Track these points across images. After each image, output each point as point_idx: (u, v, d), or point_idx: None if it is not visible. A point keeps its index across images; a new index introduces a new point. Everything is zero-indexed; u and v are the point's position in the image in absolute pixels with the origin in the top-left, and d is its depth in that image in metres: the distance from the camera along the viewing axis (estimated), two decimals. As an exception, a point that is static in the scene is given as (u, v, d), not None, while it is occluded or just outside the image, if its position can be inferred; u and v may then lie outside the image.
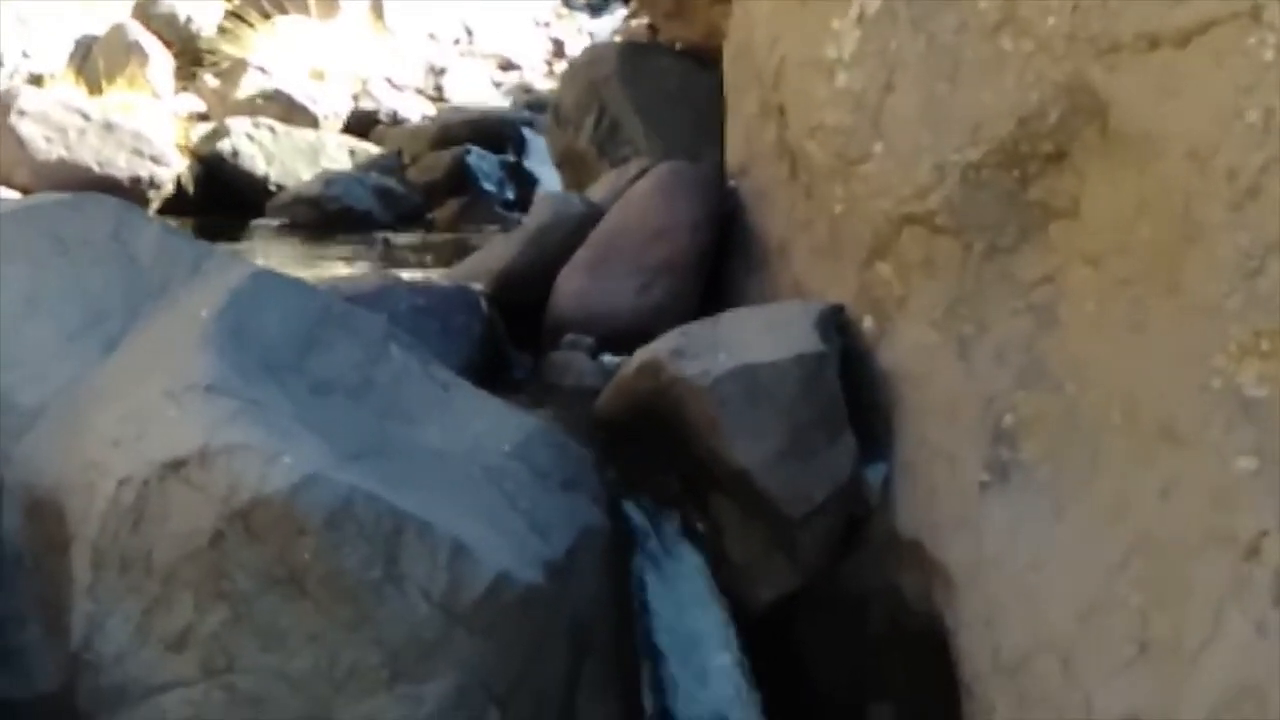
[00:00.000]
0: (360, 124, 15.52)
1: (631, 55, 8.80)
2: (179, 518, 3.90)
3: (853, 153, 4.92)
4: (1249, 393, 3.58)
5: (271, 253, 10.72)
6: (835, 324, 5.00)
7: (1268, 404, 3.53)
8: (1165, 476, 3.73)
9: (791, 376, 4.76)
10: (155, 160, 13.03)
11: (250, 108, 14.84)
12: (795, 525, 4.74)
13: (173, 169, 13.19)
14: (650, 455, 5.02)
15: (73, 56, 15.93)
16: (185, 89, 16.09)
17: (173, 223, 8.55)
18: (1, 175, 12.32)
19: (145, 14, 16.89)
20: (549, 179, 11.36)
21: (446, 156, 13.58)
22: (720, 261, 6.05)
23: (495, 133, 14.19)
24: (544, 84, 17.91)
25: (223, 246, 4.88)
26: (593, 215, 6.32)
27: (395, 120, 15.84)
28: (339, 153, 13.96)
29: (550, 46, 21.22)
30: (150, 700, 3.90)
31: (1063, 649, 3.86)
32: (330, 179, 12.91)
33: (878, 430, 4.80)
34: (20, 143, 12.55)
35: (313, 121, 14.99)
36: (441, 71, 18.54)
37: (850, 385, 4.84)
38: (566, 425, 5.05)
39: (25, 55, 15.74)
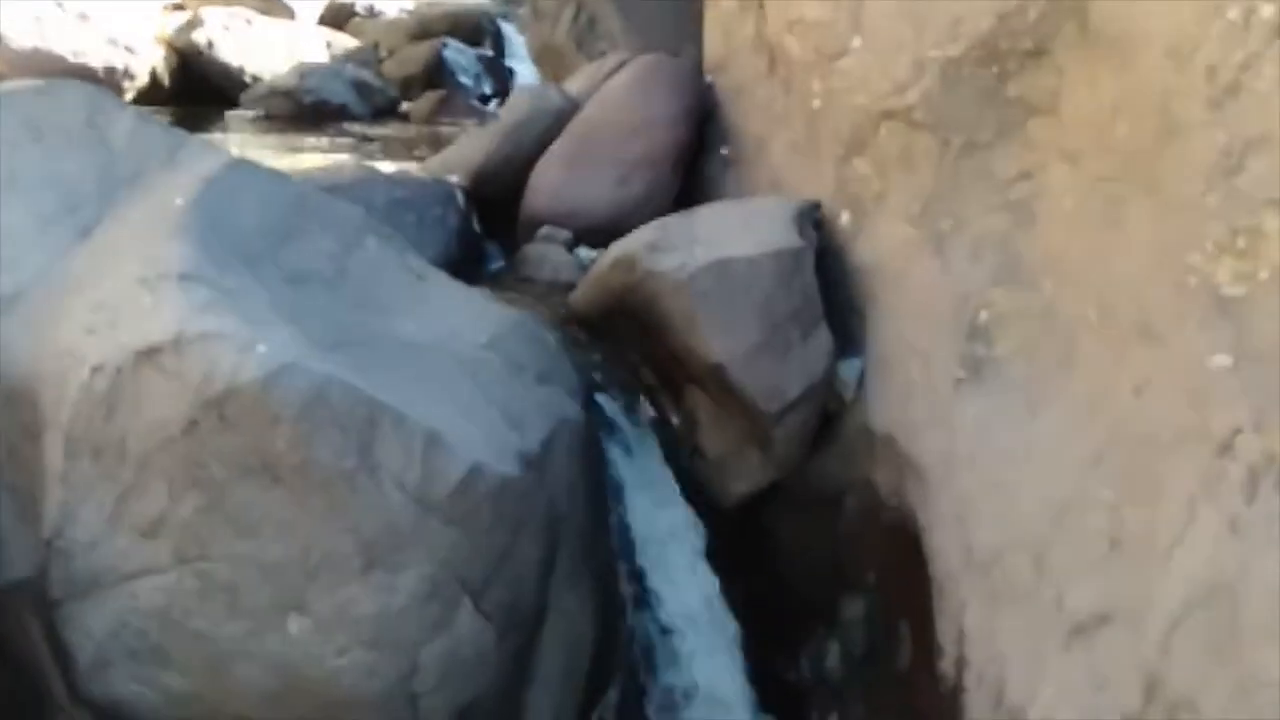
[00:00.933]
0: (337, 17, 15.43)
1: (610, -52, 8.73)
2: (153, 406, 3.88)
3: (831, 47, 4.90)
4: (1225, 291, 3.57)
5: (247, 144, 10.66)
6: (812, 220, 4.99)
7: (1243, 302, 3.52)
8: (1140, 374, 3.74)
9: (767, 271, 4.76)
10: (130, 50, 12.92)
11: (226, -1, 14.75)
12: (769, 420, 4.75)
13: (147, 59, 13.08)
14: (625, 349, 5.02)
15: (46, -55, 15.77)
16: (160, -21, 15.95)
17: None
18: (-26, 64, 12.23)
19: (120, -97, 16.71)
20: (526, 73, 11.31)
21: (423, 50, 13.49)
22: (698, 156, 6.03)
23: (472, 26, 14.11)
24: (522, -22, 17.78)
25: (198, 136, 4.82)
26: (570, 109, 6.29)
27: (372, 13, 15.74)
28: (315, 45, 13.87)
29: (528, -60, 21.03)
30: (123, 587, 3.90)
31: (1035, 546, 3.88)
32: (306, 71, 12.83)
33: (853, 326, 4.80)
34: (-6, 31, 12.45)
35: (289, 13, 14.87)
36: (419, -36, 18.42)
37: (826, 281, 4.84)
38: (542, 319, 5.04)
39: (-2, -57, 15.57)
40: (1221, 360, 3.53)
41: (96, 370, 3.93)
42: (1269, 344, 3.44)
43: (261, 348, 3.88)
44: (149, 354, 3.89)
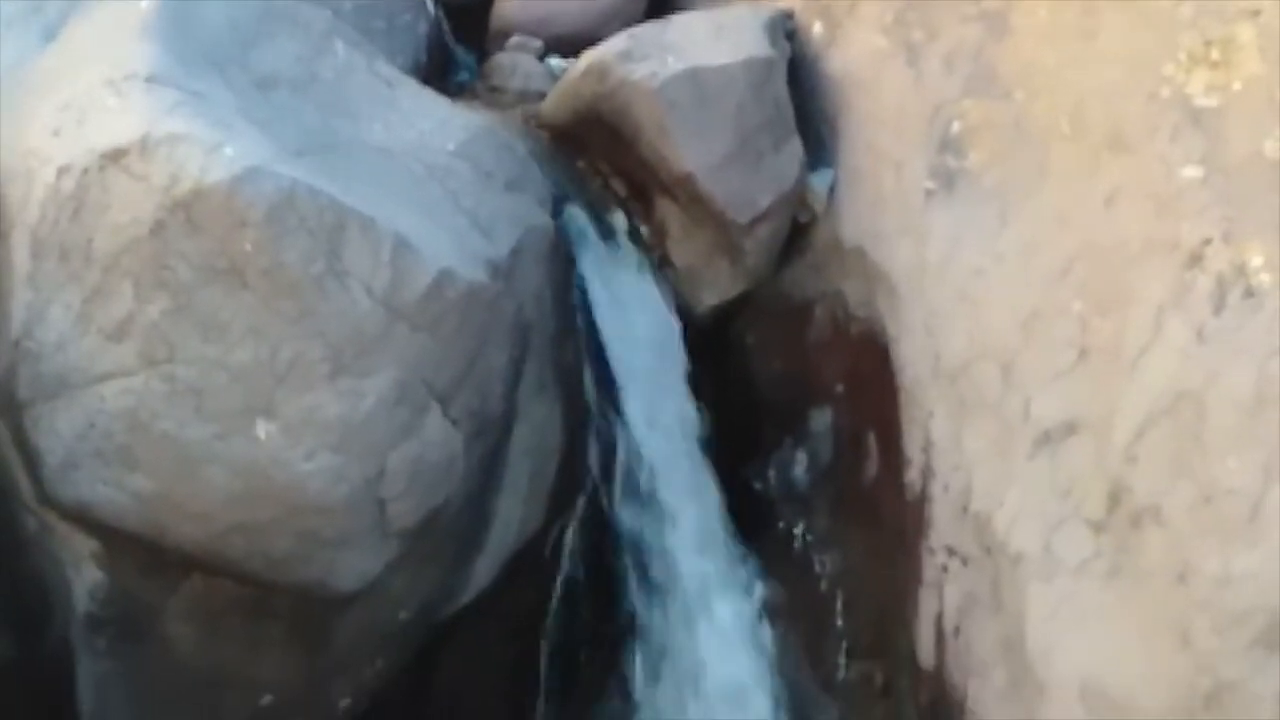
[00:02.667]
0: None
1: None
2: (119, 207, 3.85)
3: None
4: (1197, 102, 3.56)
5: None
6: (784, 29, 4.94)
7: (1216, 113, 3.51)
8: (1111, 184, 3.73)
9: (739, 81, 4.72)
10: None
11: None
12: (739, 230, 4.74)
13: None
14: (595, 159, 4.98)
15: None
16: None
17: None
18: None
19: None
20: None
21: None
22: (670, -35, 5.96)
23: None
24: None
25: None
26: (541, -85, 6.18)
27: None
28: None
29: None
30: (90, 389, 3.89)
31: (1003, 355, 3.89)
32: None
33: (825, 137, 4.77)
34: None
35: None
36: None
37: (798, 91, 4.80)
38: (512, 127, 5.00)
39: None
40: (1192, 171, 3.52)
41: (63, 171, 3.90)
42: (1240, 155, 3.43)
43: (229, 150, 3.85)
44: (115, 155, 3.86)
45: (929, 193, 4.28)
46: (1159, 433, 3.38)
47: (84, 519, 3.99)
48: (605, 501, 4.73)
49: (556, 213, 4.72)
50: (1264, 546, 3.08)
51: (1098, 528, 3.48)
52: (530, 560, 4.68)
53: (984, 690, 3.75)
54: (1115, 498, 3.45)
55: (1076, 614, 3.48)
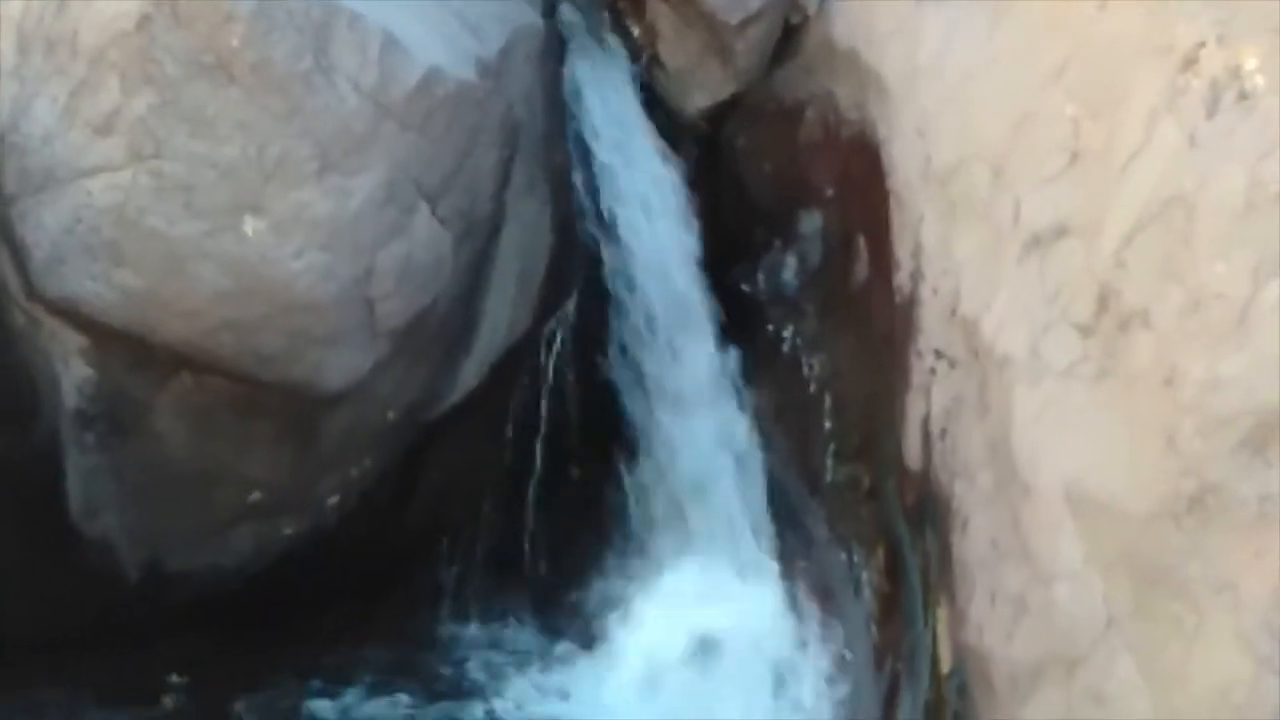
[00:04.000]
0: None
1: None
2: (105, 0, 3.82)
3: None
4: (1195, -98, 3.51)
5: None
6: None
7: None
8: (1106, -14, 3.68)
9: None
10: None
11: None
12: (731, 31, 4.70)
13: None
14: (587, -43, 4.93)
15: None
16: None
17: None
18: None
19: None
20: None
21: None
22: None
23: None
24: None
25: None
26: None
27: None
28: None
29: None
30: (78, 184, 3.88)
31: (994, 158, 3.86)
32: None
33: (818, -63, 4.71)
34: None
35: None
36: None
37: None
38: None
39: None
40: (1173, -28, 3.48)
41: (48, -36, 3.86)
42: (1237, -43, 3.39)
43: (215, -57, 3.80)
44: (100, -53, 3.81)
45: (922, -6, 4.23)
46: (1148, 237, 3.36)
47: (71, 314, 4.00)
48: (596, 300, 4.72)
49: (549, 13, 4.67)
50: (1251, 350, 3.07)
51: (1085, 331, 3.47)
52: (519, 362, 4.69)
53: (970, 492, 3.76)
54: (1103, 301, 3.43)
55: (1063, 417, 3.48)
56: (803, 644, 4.53)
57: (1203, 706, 3.02)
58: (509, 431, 4.77)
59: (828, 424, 4.57)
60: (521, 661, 4.82)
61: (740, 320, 4.83)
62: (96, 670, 4.48)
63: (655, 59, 4.86)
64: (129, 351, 4.05)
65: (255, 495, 4.32)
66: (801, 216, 4.70)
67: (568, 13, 4.79)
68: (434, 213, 4.09)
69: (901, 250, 4.18)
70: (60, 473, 4.24)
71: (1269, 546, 2.96)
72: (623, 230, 4.73)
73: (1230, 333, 3.14)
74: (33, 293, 4.00)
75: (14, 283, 4.03)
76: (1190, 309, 3.23)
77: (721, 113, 4.86)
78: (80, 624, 4.41)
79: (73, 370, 4.10)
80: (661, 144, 4.81)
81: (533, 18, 4.55)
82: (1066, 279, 3.55)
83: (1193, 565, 3.09)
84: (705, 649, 4.60)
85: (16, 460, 4.22)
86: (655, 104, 4.85)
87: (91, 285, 3.93)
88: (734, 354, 4.79)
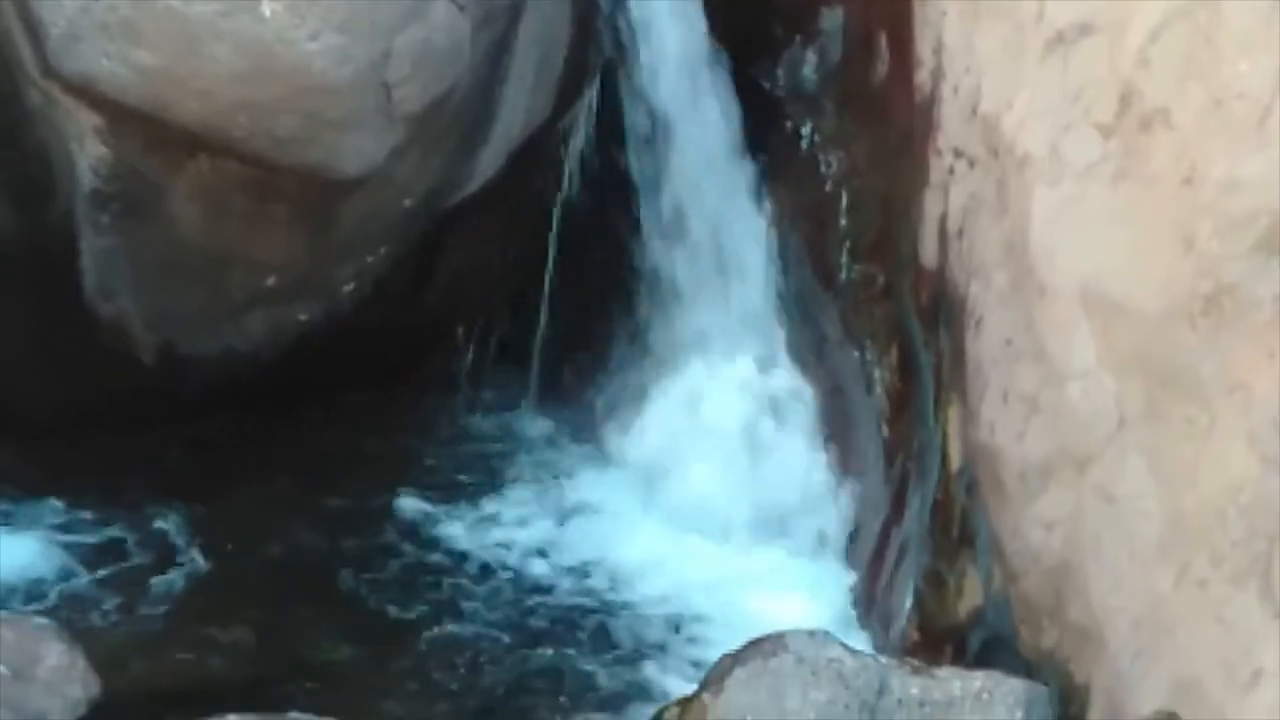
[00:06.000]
0: None
1: None
2: None
3: None
4: None
5: None
6: None
7: None
8: None
9: None
10: None
11: None
12: None
13: None
14: None
15: None
16: None
17: None
18: None
19: None
20: None
21: None
22: None
23: None
24: None
25: None
26: None
27: None
28: None
29: None
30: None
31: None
32: None
33: None
34: None
35: None
36: None
37: None
38: None
39: None
40: None
41: None
42: None
43: None
44: None
45: None
46: (1172, 35, 3.33)
47: (87, 93, 3.98)
48: (614, 90, 4.69)
49: None
50: (1271, 150, 3.06)
51: (1106, 131, 3.45)
52: (537, 153, 4.67)
53: (985, 291, 3.76)
54: (1125, 101, 3.41)
55: (1081, 217, 3.47)
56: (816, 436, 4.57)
57: (1211, 506, 3.04)
58: (526, 222, 4.76)
59: (844, 222, 4.55)
60: (530, 452, 4.85)
61: (759, 117, 4.80)
62: (113, 453, 4.52)
63: None
64: (144, 132, 4.04)
65: (270, 280, 4.33)
66: (822, 12, 4.65)
67: None
68: (453, -1, 4.06)
69: (923, 47, 4.14)
70: (76, 254, 4.25)
71: (1283, 348, 2.97)
72: (641, 24, 4.68)
73: (1251, 133, 3.13)
74: (48, 71, 3.98)
75: (30, 61, 4.01)
76: (1212, 109, 3.21)
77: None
78: (97, 407, 4.44)
79: (88, 150, 4.09)
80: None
81: None
82: (1089, 78, 3.52)
83: (1206, 366, 3.10)
84: (713, 434, 4.63)
85: (33, 241, 4.23)
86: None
87: (107, 64, 3.91)
88: (751, 149, 4.75)
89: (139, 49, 3.88)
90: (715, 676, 3.50)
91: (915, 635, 4.00)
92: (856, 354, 4.47)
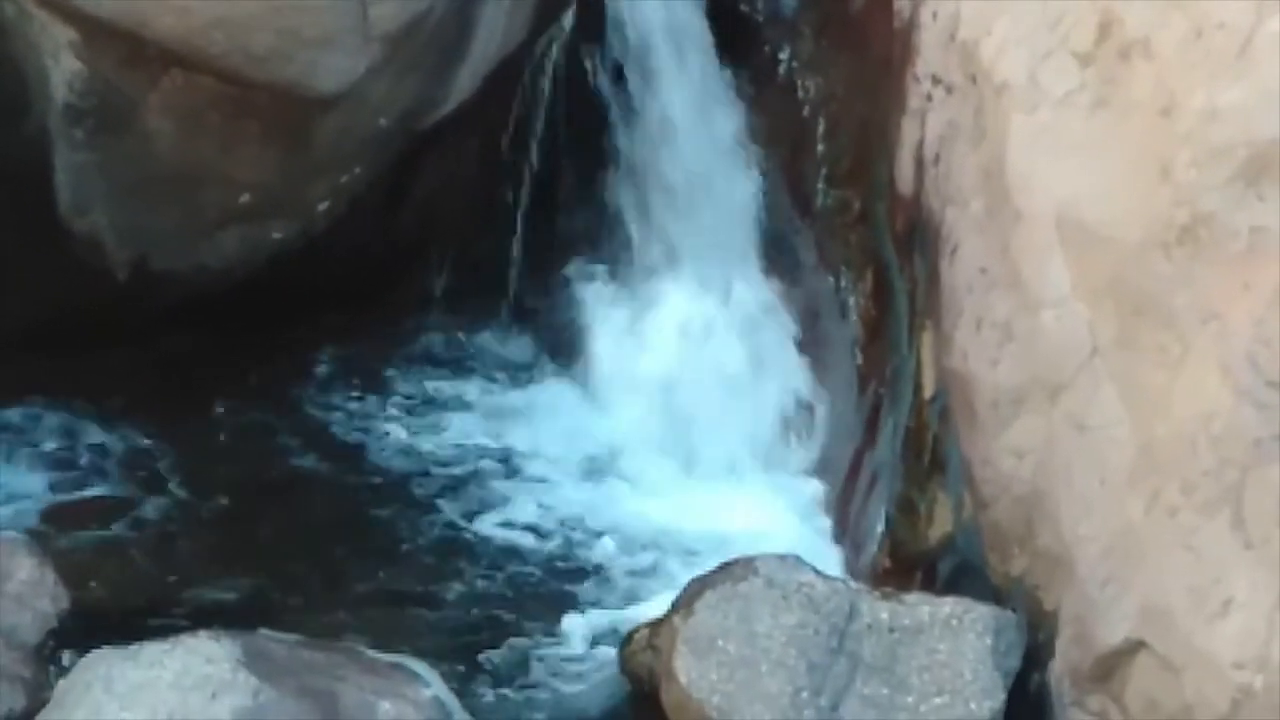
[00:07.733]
0: None
1: None
2: None
3: None
4: None
5: None
6: None
7: None
8: None
9: None
10: None
11: None
12: None
13: None
14: None
15: None
16: None
17: None
18: None
19: None
20: None
21: None
22: None
23: None
24: None
25: None
26: None
27: None
28: None
29: None
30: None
31: None
32: None
33: None
34: None
35: None
36: None
37: None
38: None
39: None
40: None
41: None
42: None
43: None
44: None
45: None
46: (1154, -36, 3.33)
47: (61, 6, 3.95)
48: (595, 20, 4.67)
49: None
50: (1250, 80, 3.06)
51: (1085, 59, 3.45)
52: (514, 74, 4.65)
53: (961, 218, 3.76)
54: (1105, 29, 3.40)
55: (1058, 145, 3.47)
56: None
57: (1182, 436, 3.06)
58: (501, 143, 4.74)
59: (820, 147, 4.55)
60: (504, 370, 4.86)
61: (736, 41, 4.78)
62: (88, 368, 4.51)
63: None
64: (119, 46, 4.01)
65: (244, 197, 4.32)
66: (802, -66, 4.64)
67: None
68: None
69: (902, -26, 4.13)
70: (50, 169, 4.23)
71: (1258, 279, 2.98)
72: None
73: (1230, 64, 3.12)
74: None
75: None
76: (1192, 39, 3.21)
77: None
78: (70, 323, 4.42)
79: (62, 64, 4.06)
80: None
81: None
82: (1068, 6, 3.52)
83: (1180, 295, 3.10)
84: (687, 356, 4.63)
85: (7, 156, 4.21)
86: None
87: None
88: (729, 73, 4.73)
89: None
90: (685, 599, 3.53)
91: (886, 561, 4.02)
92: (831, 279, 4.47)
